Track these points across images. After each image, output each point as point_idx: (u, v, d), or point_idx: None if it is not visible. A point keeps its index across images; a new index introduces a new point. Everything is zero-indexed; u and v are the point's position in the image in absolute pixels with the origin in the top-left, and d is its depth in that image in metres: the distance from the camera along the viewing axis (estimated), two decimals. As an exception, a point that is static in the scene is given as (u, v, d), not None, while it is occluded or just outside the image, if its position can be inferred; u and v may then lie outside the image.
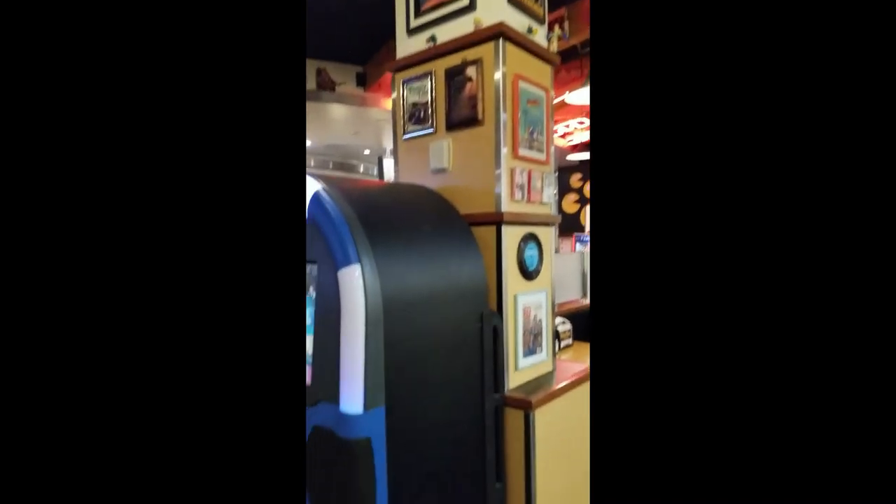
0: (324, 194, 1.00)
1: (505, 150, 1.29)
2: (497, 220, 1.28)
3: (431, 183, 1.42)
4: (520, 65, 1.35)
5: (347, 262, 0.93)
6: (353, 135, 6.82)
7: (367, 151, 8.34)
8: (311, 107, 5.74)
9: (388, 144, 7.39)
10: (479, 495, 1.19)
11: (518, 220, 1.32)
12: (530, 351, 1.37)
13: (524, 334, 1.34)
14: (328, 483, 0.94)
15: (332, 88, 5.17)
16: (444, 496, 1.09)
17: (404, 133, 1.52)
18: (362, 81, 6.10)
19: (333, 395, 0.93)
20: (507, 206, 1.29)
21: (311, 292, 1.04)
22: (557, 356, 1.55)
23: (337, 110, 5.91)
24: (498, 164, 1.29)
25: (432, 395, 1.06)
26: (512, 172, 1.31)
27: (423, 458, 1.03)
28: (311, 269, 1.05)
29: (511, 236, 1.30)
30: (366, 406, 0.90)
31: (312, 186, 1.02)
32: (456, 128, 1.38)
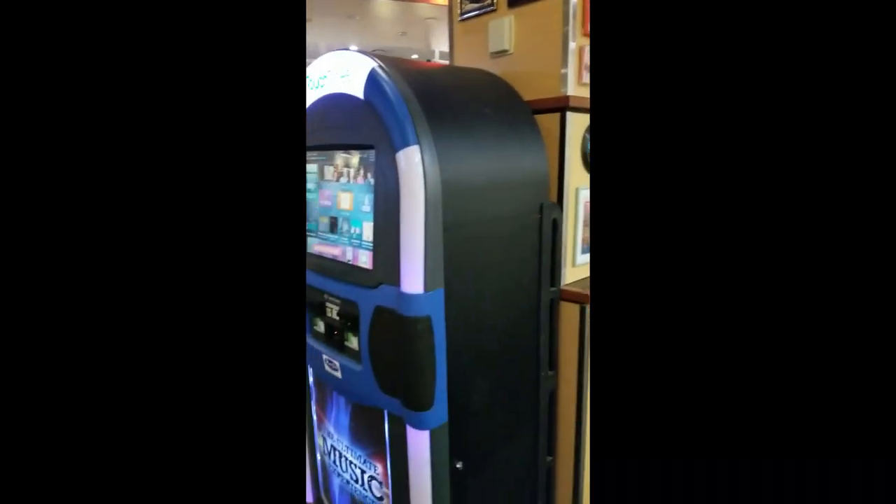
0: (380, 72, 0.94)
1: (574, 26, 1.16)
2: (562, 106, 1.18)
3: (490, 68, 1.32)
4: (596, -79, 1.17)
5: (406, 144, 0.90)
6: (401, 35, 6.46)
7: (415, 56, 7.95)
8: (355, 3, 5.43)
9: (438, 46, 6.97)
10: (532, 381, 1.23)
11: (585, 107, 1.22)
12: (589, 248, 1.34)
13: (584, 229, 1.30)
14: (389, 359, 0.99)
15: (379, -19, 4.81)
16: (497, 377, 1.13)
17: (461, 14, 1.39)
18: (410, -28, 5.63)
19: (394, 278, 0.94)
20: (573, 90, 1.19)
21: (370, 178, 1.03)
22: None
23: (383, 7, 5.56)
24: (565, 42, 1.17)
25: (488, 282, 1.07)
26: (581, 51, 1.18)
27: (478, 340, 1.07)
28: (369, 155, 1.03)
29: (576, 124, 1.21)
30: (426, 287, 0.91)
31: (366, 64, 0.96)
32: (519, 2, 1.25)
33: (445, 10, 1.50)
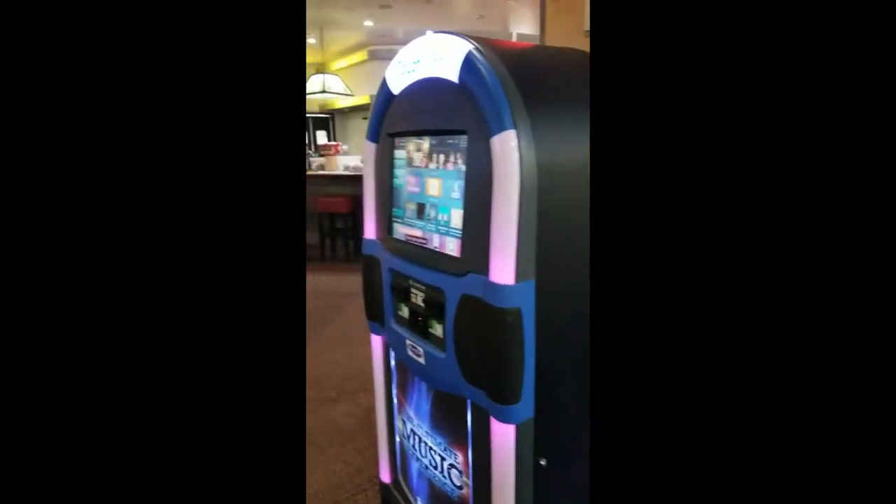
0: (476, 55, 0.91)
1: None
2: (667, 87, 1.09)
3: (585, 48, 1.25)
4: None
5: (502, 128, 0.86)
6: (478, 19, 6.36)
7: (491, 39, 7.81)
8: (435, -11, 5.40)
9: (516, 29, 6.80)
10: (620, 380, 1.17)
11: (692, 88, 1.12)
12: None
13: (684, 222, 1.20)
14: (475, 349, 0.97)
15: (459, -36, 4.74)
16: (587, 374, 1.08)
17: (555, -10, 1.32)
18: (491, -47, 5.50)
19: (483, 267, 0.92)
20: (681, 70, 1.09)
21: (460, 165, 1.01)
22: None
23: (462, -9, 5.50)
24: (675, 16, 1.07)
25: (581, 273, 1.01)
26: (692, 26, 1.08)
27: (568, 334, 1.02)
28: (460, 140, 1.01)
29: (682, 107, 1.11)
30: (517, 277, 0.88)
31: (462, 47, 0.94)
32: (622, -25, 1.16)
33: (526, -9, 1.43)
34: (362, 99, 8.50)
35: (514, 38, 7.05)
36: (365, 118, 8.98)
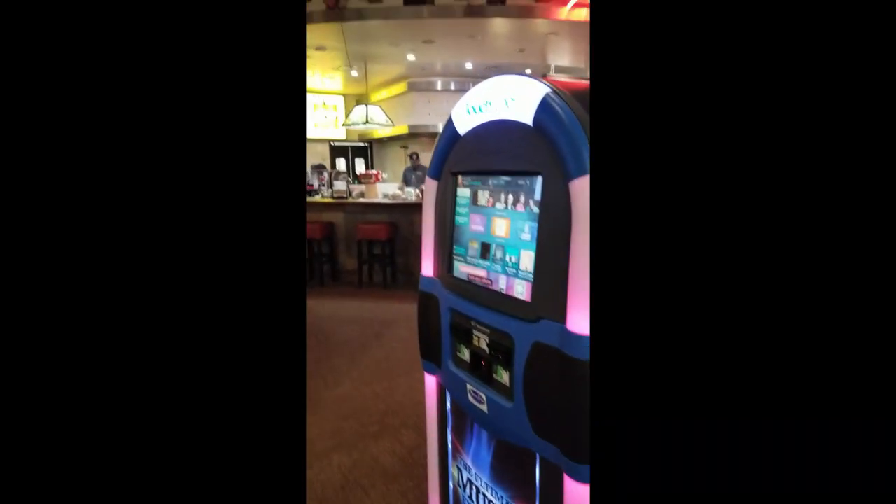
0: (554, 98, 0.90)
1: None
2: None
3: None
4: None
5: (582, 172, 0.83)
6: (518, 52, 6.46)
7: (528, 71, 7.94)
8: (476, 24, 5.53)
9: (555, 61, 6.87)
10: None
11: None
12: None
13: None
14: (548, 400, 0.92)
15: (503, 1, 4.84)
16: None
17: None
18: (534, -11, 5.61)
19: (559, 315, 0.88)
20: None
21: (533, 207, 0.99)
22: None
23: (503, 26, 5.61)
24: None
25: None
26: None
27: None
28: (531, 182, 0.99)
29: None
30: (598, 329, 0.83)
31: (538, 91, 0.92)
32: None
33: (565, 25, 1.43)
34: (401, 129, 8.71)
35: (553, 71, 7.12)
36: (403, 146, 9.17)
